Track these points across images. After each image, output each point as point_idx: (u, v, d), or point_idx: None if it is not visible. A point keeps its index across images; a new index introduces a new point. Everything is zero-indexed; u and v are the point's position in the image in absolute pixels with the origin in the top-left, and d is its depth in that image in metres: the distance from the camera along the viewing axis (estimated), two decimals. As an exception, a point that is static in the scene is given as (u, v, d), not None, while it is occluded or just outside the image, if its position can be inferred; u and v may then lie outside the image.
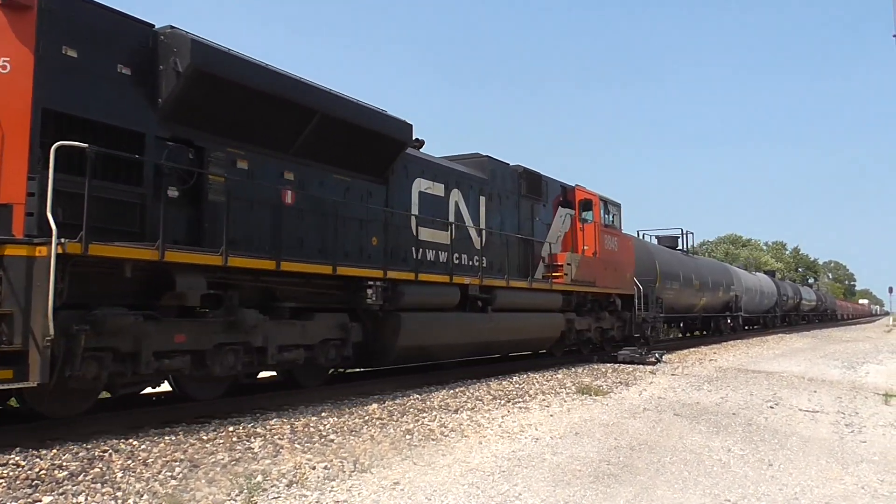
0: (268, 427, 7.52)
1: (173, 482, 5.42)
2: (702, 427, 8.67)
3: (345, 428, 7.71)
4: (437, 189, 12.68)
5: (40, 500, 4.85)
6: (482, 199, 13.93)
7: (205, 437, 6.90)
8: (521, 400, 10.29)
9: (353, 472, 6.02)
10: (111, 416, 7.47)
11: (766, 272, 49.10)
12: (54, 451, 6.05)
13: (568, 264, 15.81)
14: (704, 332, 31.34)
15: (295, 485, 5.53)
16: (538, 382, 12.34)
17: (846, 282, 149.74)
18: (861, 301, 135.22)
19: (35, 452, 5.95)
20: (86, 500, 4.92)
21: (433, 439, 7.46)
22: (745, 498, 5.68)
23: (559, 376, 13.36)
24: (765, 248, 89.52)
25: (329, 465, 6.11)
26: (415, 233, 11.70)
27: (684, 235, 28.96)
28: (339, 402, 9.35)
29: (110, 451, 6.17)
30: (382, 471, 6.09)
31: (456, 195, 13.16)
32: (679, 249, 27.92)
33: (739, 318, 32.34)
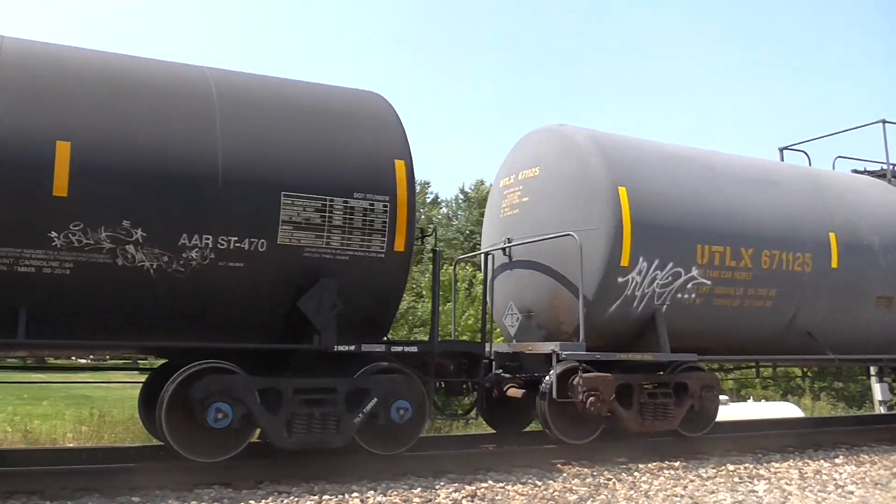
0: (772, 470, 6.92)
1: (679, 518, 5.27)
2: None
3: (866, 479, 6.67)
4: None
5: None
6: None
7: (704, 475, 6.63)
8: None
9: (887, 532, 5.12)
10: (608, 446, 7.66)
11: None
12: (565, 475, 6.43)
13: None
14: None
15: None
16: None
17: None
18: None
19: (548, 475, 6.40)
20: (597, 525, 5.07)
21: None
22: None
23: None
24: None
25: (855, 521, 5.30)
26: None
27: None
28: (855, 447, 8.20)
29: (614, 479, 6.31)
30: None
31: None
32: None
33: None
